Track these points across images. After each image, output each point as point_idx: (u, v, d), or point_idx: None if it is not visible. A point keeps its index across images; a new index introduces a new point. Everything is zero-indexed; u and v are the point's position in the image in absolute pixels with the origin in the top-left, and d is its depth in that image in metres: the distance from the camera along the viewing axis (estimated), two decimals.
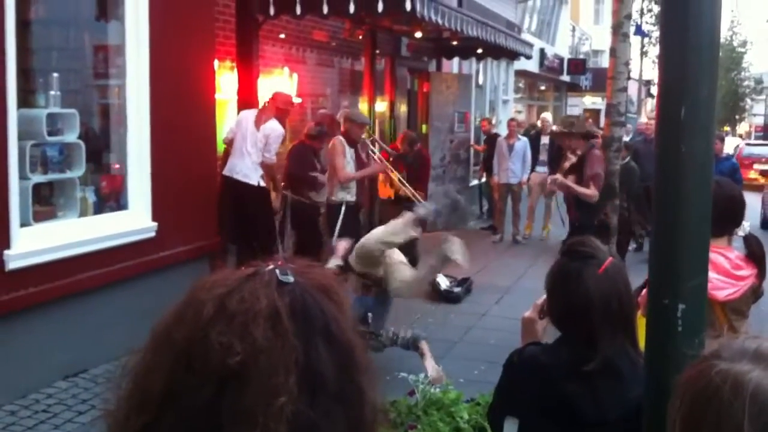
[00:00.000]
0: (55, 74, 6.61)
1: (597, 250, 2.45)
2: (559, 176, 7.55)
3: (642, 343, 2.05)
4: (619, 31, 9.48)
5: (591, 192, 7.28)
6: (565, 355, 2.36)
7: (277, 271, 1.06)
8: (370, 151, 8.92)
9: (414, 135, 12.29)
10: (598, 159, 7.38)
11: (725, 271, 3.43)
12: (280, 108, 8.39)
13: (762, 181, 23.36)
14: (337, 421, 1.01)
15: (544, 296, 2.56)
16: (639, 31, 28.93)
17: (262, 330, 0.99)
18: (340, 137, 8.57)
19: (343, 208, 8.41)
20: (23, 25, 6.06)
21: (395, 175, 10.23)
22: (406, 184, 10.18)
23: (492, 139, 14.54)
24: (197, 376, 0.98)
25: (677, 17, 1.65)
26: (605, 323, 2.32)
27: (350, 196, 8.54)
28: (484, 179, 15.42)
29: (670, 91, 1.68)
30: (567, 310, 2.42)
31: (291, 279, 1.05)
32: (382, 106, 13.32)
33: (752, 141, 38.23)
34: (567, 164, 7.89)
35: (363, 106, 12.71)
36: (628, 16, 9.88)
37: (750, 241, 3.60)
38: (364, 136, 9.57)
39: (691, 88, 1.63)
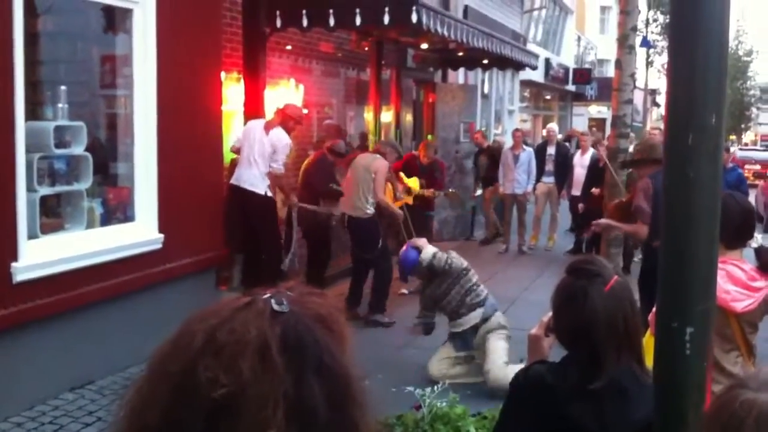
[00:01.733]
0: (63, 87, 6.64)
1: (603, 269, 2.45)
2: (603, 220, 6.99)
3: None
4: (624, 44, 9.49)
5: (633, 228, 6.52)
6: (571, 374, 2.36)
7: (273, 300, 1.05)
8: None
9: (436, 144, 12.51)
10: (643, 189, 6.46)
11: (743, 283, 3.45)
12: (290, 116, 8.43)
13: (752, 179, 25.65)
14: None
15: (551, 313, 2.56)
16: (645, 42, 28.95)
17: (250, 362, 0.98)
18: (385, 160, 8.77)
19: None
20: (31, 38, 6.09)
21: (413, 184, 10.31)
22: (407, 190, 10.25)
23: (491, 151, 14.48)
24: (189, 409, 0.98)
25: (685, 44, 1.65)
26: (610, 342, 2.32)
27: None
28: (479, 191, 15.18)
29: (677, 117, 1.69)
30: (572, 328, 2.42)
31: (286, 308, 1.04)
32: (387, 116, 13.34)
33: (743, 147, 44.86)
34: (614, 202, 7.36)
35: (369, 117, 12.75)
36: (634, 28, 9.89)
37: (762, 252, 3.61)
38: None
39: (699, 115, 1.64)
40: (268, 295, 1.06)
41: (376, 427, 1.10)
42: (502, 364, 6.46)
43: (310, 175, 9.28)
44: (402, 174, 10.26)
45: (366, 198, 8.56)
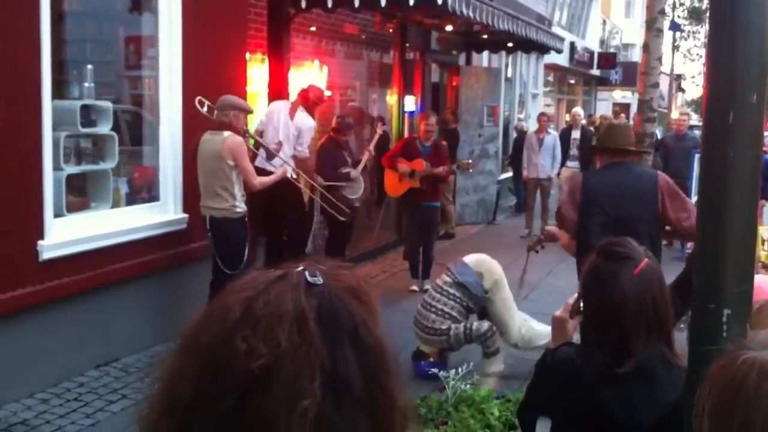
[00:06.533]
0: (89, 66, 6.67)
1: (633, 251, 2.42)
2: (553, 228, 6.28)
3: None
4: (652, 27, 9.40)
5: (566, 241, 5.58)
6: (599, 357, 2.34)
7: (307, 272, 1.05)
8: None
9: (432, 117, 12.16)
10: (569, 191, 5.50)
11: None
12: (311, 99, 8.37)
13: None
14: (362, 426, 1.00)
15: (575, 295, 2.54)
16: (674, 25, 28.64)
17: (288, 333, 0.98)
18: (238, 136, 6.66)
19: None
20: (58, 18, 6.10)
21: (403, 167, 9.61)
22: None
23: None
24: (223, 381, 0.97)
25: (725, 22, 1.62)
26: (639, 325, 2.30)
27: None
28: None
29: (717, 95, 1.66)
30: (601, 311, 2.40)
31: (320, 281, 1.04)
32: (410, 99, 13.29)
33: None
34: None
35: (392, 99, 12.69)
36: (662, 12, 9.80)
37: None
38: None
39: (740, 93, 1.61)
40: (301, 267, 1.06)
41: (409, 400, 1.09)
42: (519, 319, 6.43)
43: (317, 164, 9.18)
44: (402, 159, 9.61)
45: (231, 192, 6.54)
